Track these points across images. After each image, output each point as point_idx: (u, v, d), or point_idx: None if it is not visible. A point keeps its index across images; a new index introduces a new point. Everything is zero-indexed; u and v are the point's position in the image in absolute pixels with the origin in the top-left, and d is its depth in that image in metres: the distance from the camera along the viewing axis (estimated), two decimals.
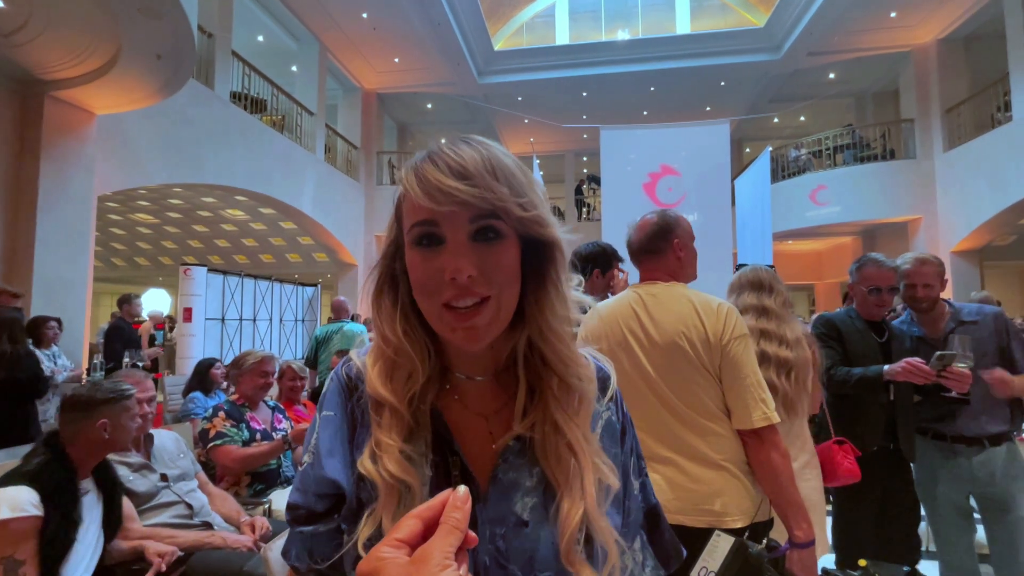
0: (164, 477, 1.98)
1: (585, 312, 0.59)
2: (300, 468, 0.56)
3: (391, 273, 0.55)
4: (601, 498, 0.53)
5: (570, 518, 0.50)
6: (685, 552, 0.67)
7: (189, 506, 1.99)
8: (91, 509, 1.57)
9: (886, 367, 1.90)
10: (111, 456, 1.88)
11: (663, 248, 1.45)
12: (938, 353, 1.83)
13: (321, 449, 0.54)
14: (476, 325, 0.49)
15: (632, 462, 0.62)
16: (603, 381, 0.61)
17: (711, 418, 1.28)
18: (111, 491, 1.65)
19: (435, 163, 0.48)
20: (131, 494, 1.85)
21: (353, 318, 8.25)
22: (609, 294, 2.15)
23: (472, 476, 0.53)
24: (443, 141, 0.51)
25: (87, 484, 1.59)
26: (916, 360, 1.85)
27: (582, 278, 0.59)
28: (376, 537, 0.48)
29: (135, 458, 1.95)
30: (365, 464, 0.50)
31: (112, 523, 1.62)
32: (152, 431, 2.11)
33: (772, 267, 1.90)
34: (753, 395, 1.25)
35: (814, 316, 3.23)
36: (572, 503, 0.51)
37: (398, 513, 0.48)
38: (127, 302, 5.65)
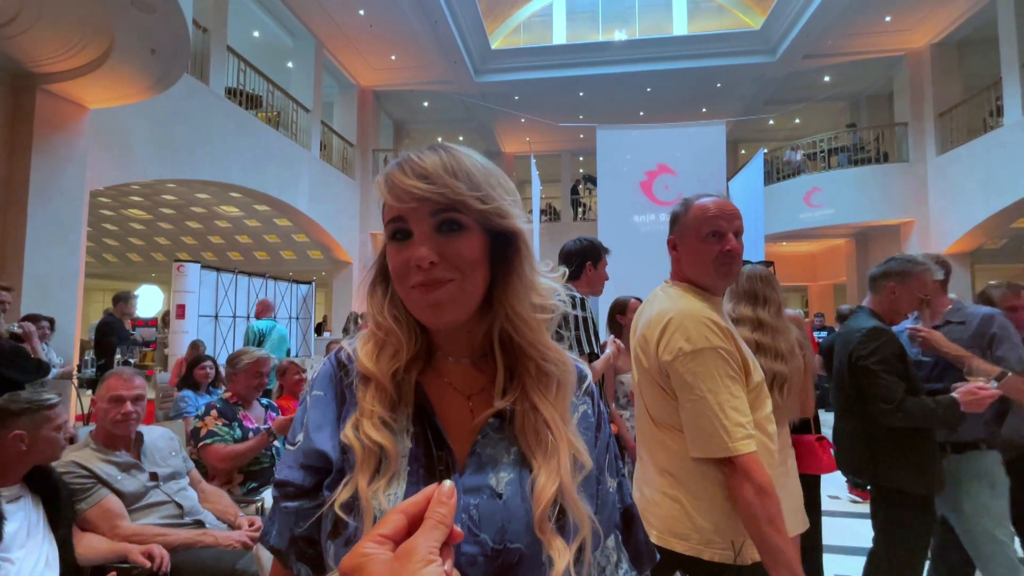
0: (154, 476, 1.95)
1: (563, 301, 0.61)
2: (291, 447, 0.59)
3: (384, 269, 0.61)
4: (576, 474, 0.55)
5: (545, 491, 0.53)
6: (659, 556, 0.68)
7: (179, 506, 1.96)
8: (23, 511, 1.52)
9: (954, 395, 1.73)
10: (99, 453, 1.86)
11: (669, 242, 1.32)
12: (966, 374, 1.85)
13: (311, 425, 0.58)
14: (439, 300, 0.54)
15: (608, 459, 0.64)
16: (580, 379, 0.64)
17: (660, 426, 1.22)
18: (51, 492, 1.60)
19: (401, 168, 0.55)
20: (119, 494, 1.82)
21: (352, 316, 8.21)
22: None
23: (450, 447, 0.56)
24: (413, 150, 0.57)
25: (15, 490, 1.54)
26: (975, 386, 1.74)
27: (566, 269, 0.63)
28: (353, 501, 0.51)
29: (124, 457, 1.91)
30: (347, 433, 0.54)
31: (62, 523, 1.57)
32: (144, 429, 2.07)
33: (770, 263, 1.89)
34: (707, 419, 1.09)
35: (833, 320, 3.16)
36: (548, 477, 0.54)
37: (375, 477, 0.52)
38: (124, 300, 5.59)
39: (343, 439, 0.54)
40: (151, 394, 4.14)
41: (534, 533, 0.52)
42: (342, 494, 0.52)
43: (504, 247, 0.57)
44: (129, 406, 1.90)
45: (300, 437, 0.58)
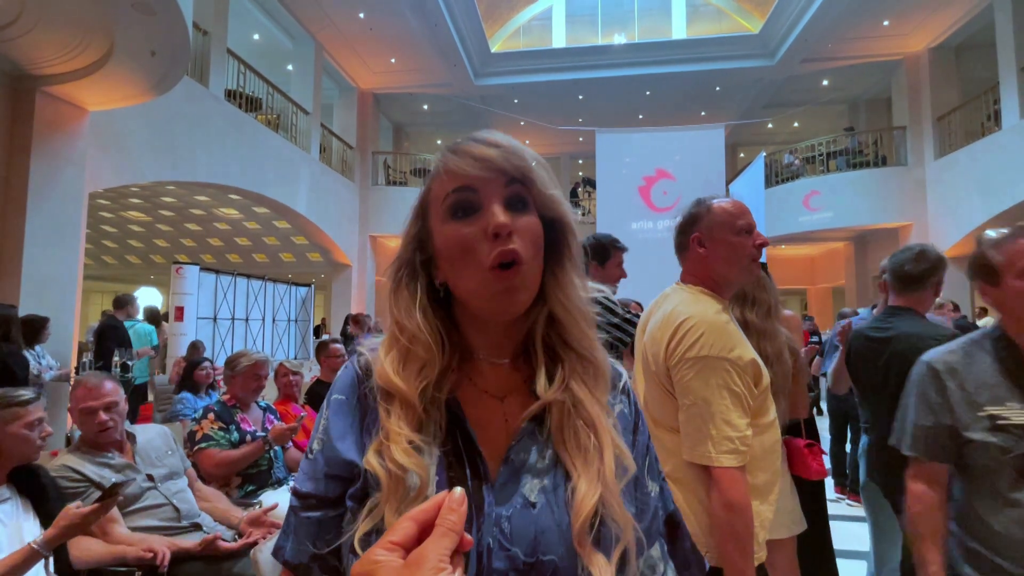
0: (150, 477, 1.93)
1: (596, 300, 0.60)
2: (309, 456, 0.56)
3: (411, 266, 0.57)
4: (620, 476, 0.52)
5: (586, 501, 0.49)
6: (708, 564, 0.66)
7: (176, 509, 1.94)
8: (13, 514, 1.51)
9: None
10: (89, 456, 1.84)
11: (683, 244, 1.32)
12: None
13: (333, 432, 0.55)
14: (514, 285, 0.51)
15: (648, 462, 0.61)
16: (616, 378, 0.61)
17: (659, 426, 1.24)
18: (40, 494, 1.58)
19: (472, 140, 0.54)
20: None
21: (349, 317, 8.20)
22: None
23: (482, 457, 0.53)
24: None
25: (2, 491, 1.52)
26: None
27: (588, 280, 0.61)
28: (376, 531, 0.48)
29: (116, 459, 1.88)
30: (370, 460, 0.50)
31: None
32: (138, 428, 2.05)
33: (764, 265, 1.87)
34: (697, 426, 1.11)
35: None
36: (589, 485, 0.50)
37: (402, 507, 0.48)
38: (131, 303, 5.64)
39: (367, 467, 0.50)
40: (150, 396, 4.13)
41: (569, 544, 0.49)
42: (364, 524, 0.48)
43: (555, 236, 0.56)
44: (103, 415, 1.83)
45: (321, 444, 0.55)
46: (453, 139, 0.56)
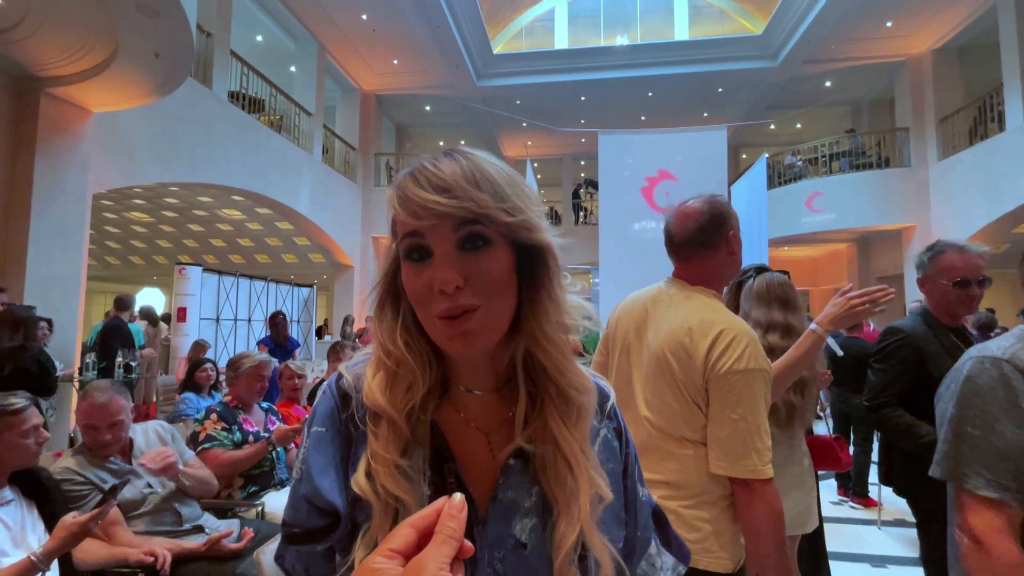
0: (150, 484, 1.93)
1: (590, 319, 0.57)
2: (292, 483, 0.55)
3: (392, 288, 0.56)
4: (596, 513, 0.53)
5: (566, 539, 0.50)
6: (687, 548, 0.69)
7: (178, 513, 1.94)
8: (16, 515, 1.51)
9: None
10: (92, 460, 1.84)
11: (711, 243, 1.24)
12: None
13: (314, 467, 0.53)
14: (469, 330, 0.48)
15: (636, 469, 0.63)
16: (602, 400, 0.61)
17: (668, 436, 1.18)
18: (44, 495, 1.58)
19: (416, 180, 0.49)
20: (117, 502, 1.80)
21: (346, 319, 8.22)
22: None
23: (471, 497, 0.52)
24: (427, 157, 0.52)
25: (5, 493, 1.52)
26: None
27: (584, 284, 0.58)
28: None
29: (118, 464, 1.88)
30: (359, 481, 0.49)
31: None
32: (136, 428, 2.04)
33: (786, 273, 1.86)
34: (743, 440, 1.08)
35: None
36: (569, 523, 0.51)
37: None
38: (133, 305, 5.70)
39: (356, 489, 0.49)
40: (153, 396, 4.14)
41: None
42: (359, 552, 0.48)
43: (531, 263, 0.52)
44: (106, 436, 1.84)
45: (296, 475, 0.54)
46: (450, 144, 0.53)
